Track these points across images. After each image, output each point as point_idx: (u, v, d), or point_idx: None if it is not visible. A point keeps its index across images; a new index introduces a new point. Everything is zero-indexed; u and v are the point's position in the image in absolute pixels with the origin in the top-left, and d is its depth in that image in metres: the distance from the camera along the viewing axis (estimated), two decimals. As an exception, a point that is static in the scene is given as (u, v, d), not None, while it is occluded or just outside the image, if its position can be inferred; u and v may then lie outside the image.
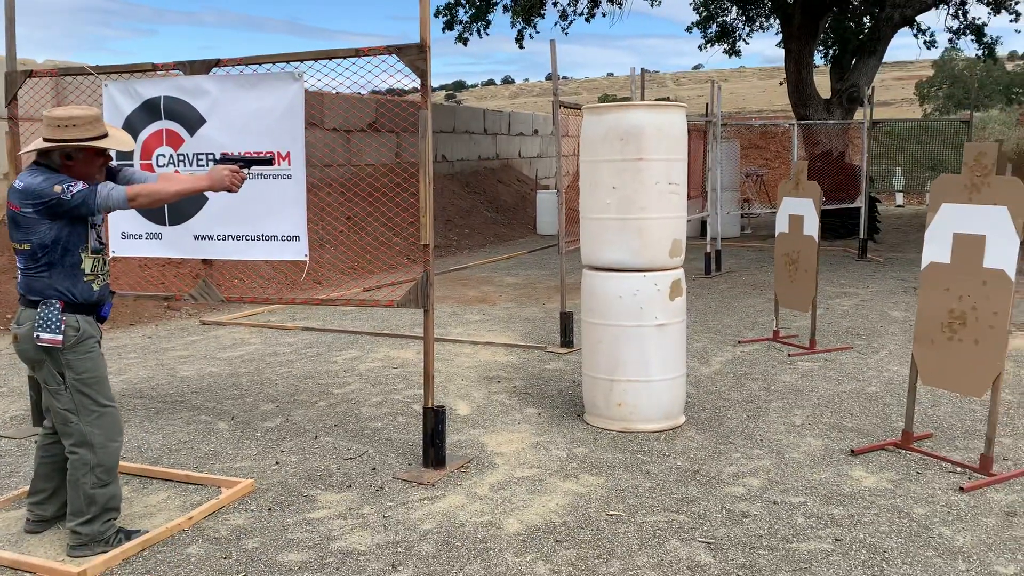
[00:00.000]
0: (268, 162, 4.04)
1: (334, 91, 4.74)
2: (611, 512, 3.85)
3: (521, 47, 17.50)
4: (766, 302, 8.72)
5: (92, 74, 4.96)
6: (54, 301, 3.41)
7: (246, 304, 8.41)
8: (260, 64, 4.55)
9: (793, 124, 14.09)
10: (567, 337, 7.06)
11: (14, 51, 5.05)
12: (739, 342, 7.23)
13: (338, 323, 8.26)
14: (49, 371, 3.45)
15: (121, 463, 4.42)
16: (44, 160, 3.46)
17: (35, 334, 3.38)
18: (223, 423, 5.19)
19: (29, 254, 3.41)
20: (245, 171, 3.72)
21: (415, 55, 4.13)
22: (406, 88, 4.59)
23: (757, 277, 10.96)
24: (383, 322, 8.28)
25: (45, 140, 3.42)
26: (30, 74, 5.10)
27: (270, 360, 6.80)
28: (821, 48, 17.02)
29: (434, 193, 4.42)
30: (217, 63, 4.59)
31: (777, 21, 16.96)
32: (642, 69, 9.78)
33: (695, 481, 4.19)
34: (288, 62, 4.50)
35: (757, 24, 18.46)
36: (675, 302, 4.94)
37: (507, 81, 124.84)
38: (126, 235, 4.91)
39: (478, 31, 16.91)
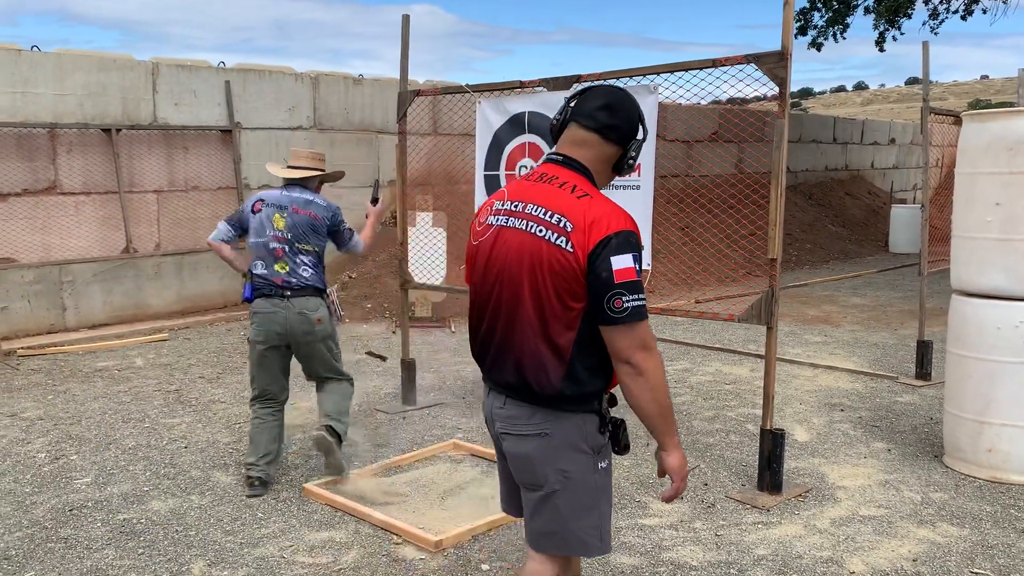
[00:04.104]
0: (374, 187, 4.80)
1: (679, 102, 4.75)
2: (976, 570, 3.40)
3: (881, 50, 16.16)
4: None
5: (468, 92, 5.48)
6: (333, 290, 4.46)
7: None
8: (617, 78, 4.68)
9: None
10: (924, 368, 6.38)
11: (406, 74, 5.76)
12: None
13: (669, 333, 8.28)
14: (333, 338, 4.39)
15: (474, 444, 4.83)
16: (301, 182, 4.38)
17: (339, 313, 4.41)
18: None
19: (318, 255, 4.32)
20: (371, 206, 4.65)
21: (774, 63, 3.99)
22: (748, 97, 4.44)
23: None
24: (715, 336, 8.14)
25: (312, 169, 4.39)
26: (417, 93, 5.78)
27: (605, 364, 7.00)
28: None
29: (785, 206, 4.23)
30: (577, 79, 4.81)
31: None
32: (1033, 69, 8.53)
33: (1088, 552, 3.56)
34: (644, 75, 4.58)
35: None
36: (1070, 339, 4.24)
37: (860, 87, 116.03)
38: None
39: (834, 35, 15.94)
